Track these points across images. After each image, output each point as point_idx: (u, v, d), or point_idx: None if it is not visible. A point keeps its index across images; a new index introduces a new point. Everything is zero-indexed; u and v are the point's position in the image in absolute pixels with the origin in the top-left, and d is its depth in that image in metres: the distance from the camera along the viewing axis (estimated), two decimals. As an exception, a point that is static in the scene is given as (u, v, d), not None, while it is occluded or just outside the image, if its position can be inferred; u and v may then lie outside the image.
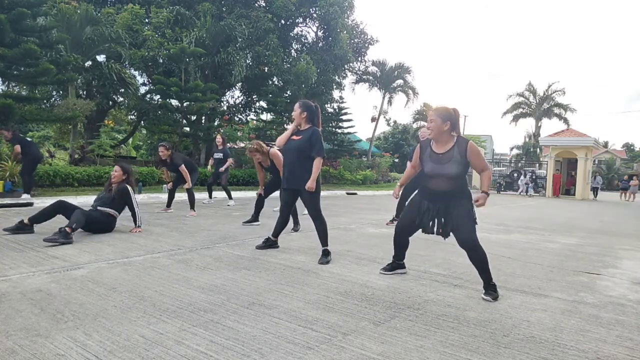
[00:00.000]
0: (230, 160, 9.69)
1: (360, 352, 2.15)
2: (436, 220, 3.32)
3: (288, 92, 19.87)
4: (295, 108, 4.28)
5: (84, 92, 17.51)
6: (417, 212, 3.39)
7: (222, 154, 9.67)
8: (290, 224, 6.31)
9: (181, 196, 8.36)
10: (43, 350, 2.01)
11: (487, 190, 3.23)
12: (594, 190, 24.32)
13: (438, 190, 3.26)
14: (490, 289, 3.21)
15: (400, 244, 3.65)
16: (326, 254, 4.17)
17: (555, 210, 13.38)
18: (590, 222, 9.63)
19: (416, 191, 3.56)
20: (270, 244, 4.61)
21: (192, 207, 7.29)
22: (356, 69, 27.63)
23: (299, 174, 4.17)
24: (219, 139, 9.87)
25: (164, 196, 10.27)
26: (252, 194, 12.13)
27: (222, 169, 9.48)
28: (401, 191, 4.19)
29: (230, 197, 9.68)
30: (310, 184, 4.11)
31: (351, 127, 24.35)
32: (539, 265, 4.41)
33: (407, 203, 3.65)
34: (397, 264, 3.76)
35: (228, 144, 15.21)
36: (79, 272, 3.39)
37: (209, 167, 10.26)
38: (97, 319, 2.42)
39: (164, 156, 7.27)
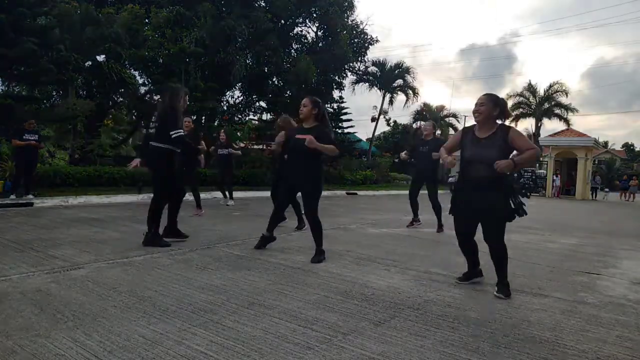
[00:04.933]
0: (238, 152, 9.69)
1: (360, 352, 2.15)
2: (482, 209, 3.22)
3: (288, 92, 19.87)
4: (306, 103, 4.15)
5: (84, 92, 17.51)
6: (465, 207, 3.29)
7: (227, 150, 9.65)
8: (290, 223, 6.31)
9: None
10: (43, 350, 2.01)
11: (516, 161, 3.04)
12: (593, 190, 24.38)
13: (477, 176, 3.17)
14: (503, 286, 3.23)
15: (468, 250, 3.49)
16: (320, 252, 4.16)
17: (555, 210, 13.38)
18: (590, 222, 9.63)
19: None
20: (266, 241, 4.55)
21: (199, 205, 7.36)
22: (356, 69, 27.60)
23: (302, 176, 4.12)
24: (222, 135, 9.82)
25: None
26: (252, 194, 12.13)
27: (229, 151, 9.36)
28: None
29: (231, 197, 9.68)
30: (311, 142, 3.87)
31: (351, 127, 24.38)
32: (539, 265, 4.41)
33: (451, 207, 3.48)
34: (473, 273, 3.57)
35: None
36: (79, 272, 3.39)
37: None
38: (97, 319, 2.42)
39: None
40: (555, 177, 23.37)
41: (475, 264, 3.56)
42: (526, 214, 3.23)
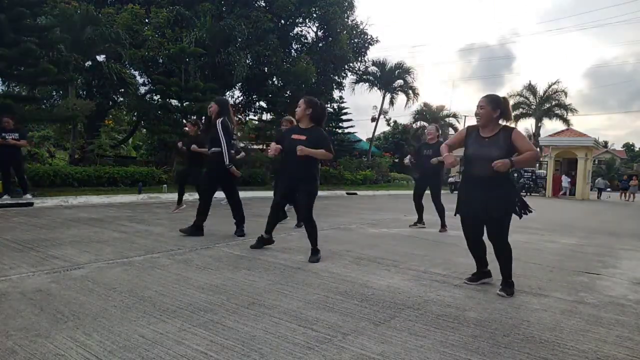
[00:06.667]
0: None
1: (360, 352, 2.15)
2: (483, 208, 3.24)
3: (288, 92, 19.88)
4: (300, 104, 4.13)
5: (84, 92, 17.51)
6: (471, 207, 3.29)
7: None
8: (290, 222, 6.31)
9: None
10: (43, 350, 2.01)
11: (514, 160, 3.07)
12: (599, 190, 25.62)
13: (481, 176, 3.20)
14: (507, 285, 3.26)
15: (477, 250, 3.47)
16: (315, 252, 4.18)
17: (555, 210, 13.38)
18: (590, 222, 9.63)
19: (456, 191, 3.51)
20: (264, 241, 4.57)
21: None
22: (356, 69, 27.61)
23: (299, 176, 4.12)
24: None
25: (164, 196, 10.28)
26: (252, 194, 12.12)
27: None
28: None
29: None
30: (301, 150, 3.91)
31: (351, 127, 24.42)
32: (539, 265, 4.41)
33: (457, 208, 3.47)
34: (482, 273, 3.56)
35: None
36: (79, 272, 3.39)
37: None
38: (97, 319, 2.42)
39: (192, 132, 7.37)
40: (567, 178, 23.51)
41: (483, 264, 3.54)
42: (531, 211, 3.24)
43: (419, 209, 6.85)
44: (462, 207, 3.39)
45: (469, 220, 3.39)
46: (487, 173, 3.14)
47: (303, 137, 4.04)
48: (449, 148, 3.51)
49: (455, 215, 3.52)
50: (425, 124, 36.45)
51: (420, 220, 6.92)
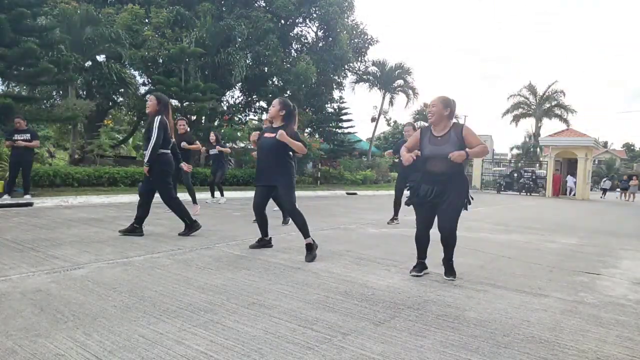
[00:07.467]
0: (227, 150, 9.76)
1: (360, 352, 2.15)
2: (435, 201, 3.51)
3: (288, 92, 19.87)
4: (275, 104, 4.27)
5: (84, 92, 17.52)
6: (423, 199, 3.51)
7: (216, 150, 9.71)
8: (279, 222, 6.31)
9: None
10: (43, 350, 2.01)
11: (468, 152, 3.32)
12: (603, 191, 26.88)
13: (436, 171, 3.44)
14: (450, 269, 3.58)
15: (422, 242, 3.73)
16: (310, 248, 4.20)
17: (555, 210, 13.38)
18: (590, 222, 9.63)
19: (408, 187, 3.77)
20: (263, 243, 4.62)
21: (194, 201, 7.43)
22: (356, 69, 27.65)
23: (274, 171, 4.21)
24: (212, 136, 9.84)
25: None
26: (252, 194, 12.13)
27: (217, 149, 9.46)
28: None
29: (222, 194, 9.71)
30: (281, 135, 4.04)
31: (351, 127, 24.36)
32: (539, 265, 4.41)
33: (409, 198, 3.73)
34: (423, 264, 3.80)
35: (229, 144, 15.23)
36: (79, 272, 3.39)
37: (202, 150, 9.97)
38: (97, 319, 2.42)
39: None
40: (572, 178, 23.55)
41: (424, 256, 3.78)
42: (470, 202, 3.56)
43: (397, 206, 7.22)
44: (413, 197, 3.65)
45: (423, 212, 3.62)
46: (442, 169, 3.41)
47: (273, 135, 4.19)
48: (407, 150, 3.75)
49: (407, 204, 3.84)
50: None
51: (395, 217, 7.30)
